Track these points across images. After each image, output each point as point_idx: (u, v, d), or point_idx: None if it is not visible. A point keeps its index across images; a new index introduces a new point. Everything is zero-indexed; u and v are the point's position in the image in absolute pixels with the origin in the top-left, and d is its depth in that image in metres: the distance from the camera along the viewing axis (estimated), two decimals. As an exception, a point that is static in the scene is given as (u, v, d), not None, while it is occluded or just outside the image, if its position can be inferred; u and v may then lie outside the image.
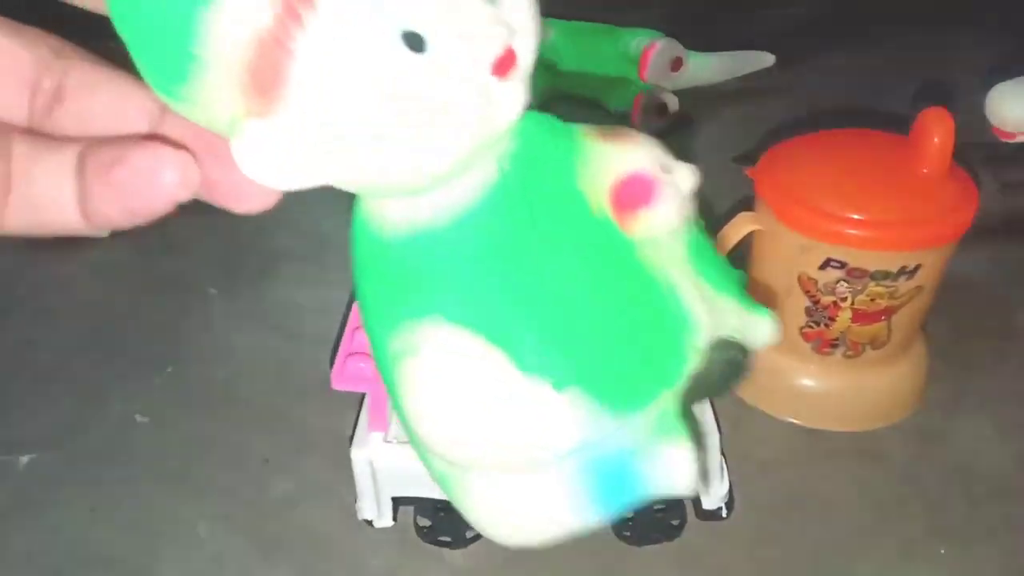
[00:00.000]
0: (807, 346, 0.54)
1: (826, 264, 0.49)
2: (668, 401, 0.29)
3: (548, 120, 0.29)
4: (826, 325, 0.52)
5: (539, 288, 0.27)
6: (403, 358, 0.26)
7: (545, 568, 0.47)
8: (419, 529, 0.48)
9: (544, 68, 0.90)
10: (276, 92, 0.20)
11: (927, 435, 0.55)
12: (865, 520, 0.50)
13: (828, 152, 0.53)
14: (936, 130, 0.48)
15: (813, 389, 0.55)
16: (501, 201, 0.26)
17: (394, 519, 0.48)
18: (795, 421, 0.55)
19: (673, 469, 0.29)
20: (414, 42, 0.21)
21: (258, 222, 0.82)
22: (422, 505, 0.47)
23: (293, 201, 0.68)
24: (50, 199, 0.21)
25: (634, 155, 0.29)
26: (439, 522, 0.47)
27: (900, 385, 0.56)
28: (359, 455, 0.45)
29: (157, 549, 0.49)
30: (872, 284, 0.49)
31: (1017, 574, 0.47)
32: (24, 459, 0.55)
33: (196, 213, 0.69)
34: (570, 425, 0.27)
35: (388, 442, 0.45)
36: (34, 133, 0.22)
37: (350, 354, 0.44)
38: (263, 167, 0.21)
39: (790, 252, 0.50)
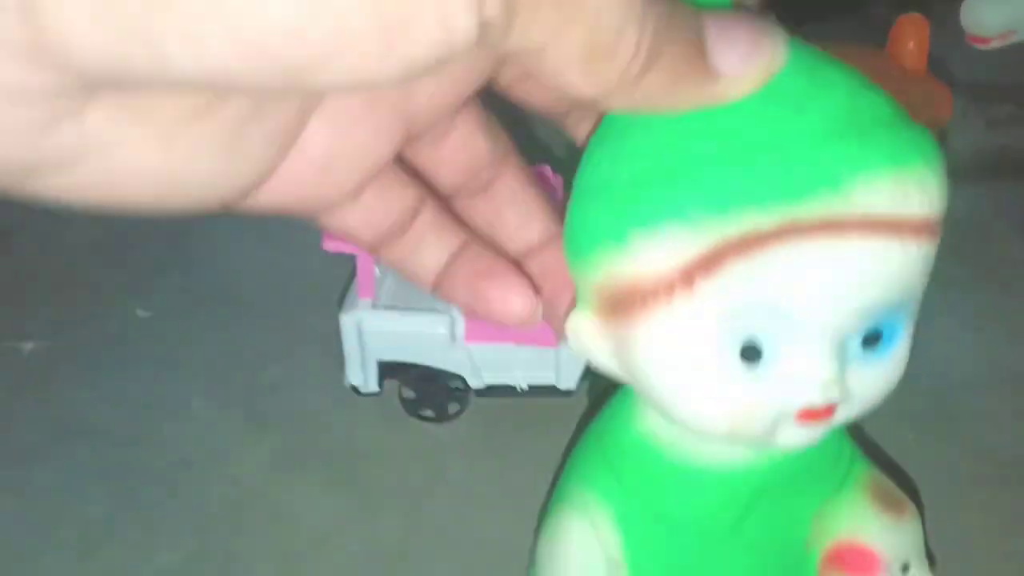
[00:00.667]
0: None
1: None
2: None
3: (841, 438, 0.31)
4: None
5: (713, 568, 0.30)
6: (570, 503, 0.31)
7: (523, 445, 0.48)
8: (404, 402, 0.50)
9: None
10: (616, 322, 0.24)
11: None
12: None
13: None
14: (912, 35, 0.50)
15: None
16: (743, 484, 0.29)
17: (379, 387, 0.49)
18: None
19: None
20: (750, 354, 0.24)
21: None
22: (407, 377, 0.49)
23: None
24: (422, 263, 0.25)
25: (888, 535, 0.30)
26: (423, 395, 0.49)
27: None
28: (347, 319, 0.47)
29: (149, 421, 0.51)
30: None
31: (977, 457, 0.48)
32: (28, 346, 0.58)
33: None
34: None
35: (375, 307, 0.47)
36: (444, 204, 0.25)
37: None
38: (577, 344, 0.26)
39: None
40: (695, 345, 0.23)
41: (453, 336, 0.47)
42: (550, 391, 0.48)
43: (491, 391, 0.49)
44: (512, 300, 0.25)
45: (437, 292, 0.25)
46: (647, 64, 0.18)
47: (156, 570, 0.43)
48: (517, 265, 0.25)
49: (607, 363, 0.26)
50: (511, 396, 0.49)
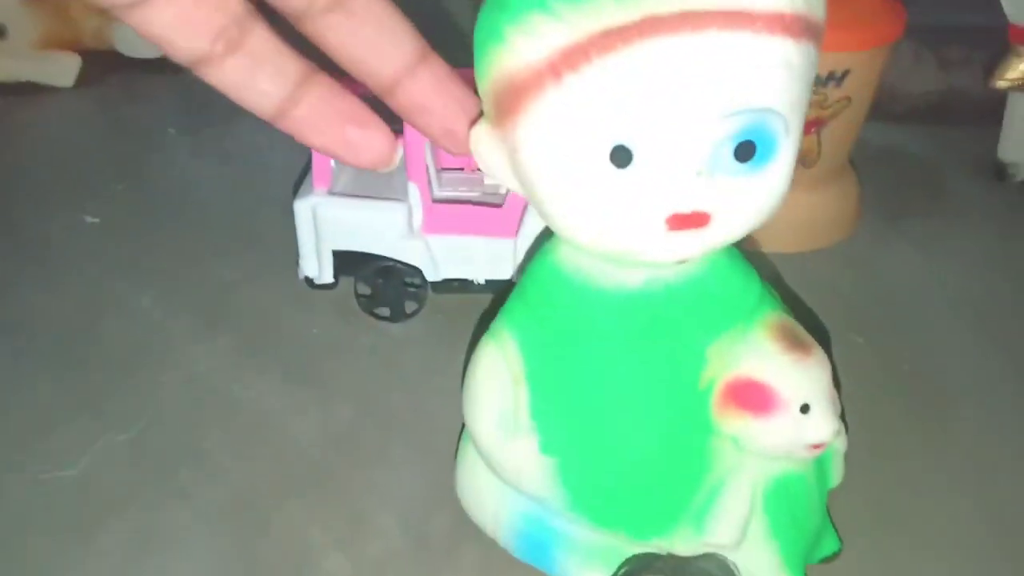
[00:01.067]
0: (742, 163, 0.56)
1: (760, 70, 0.52)
2: (623, 544, 0.33)
3: (747, 278, 0.32)
4: (760, 139, 0.55)
5: (601, 391, 0.31)
6: (487, 332, 0.33)
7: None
8: (359, 298, 0.49)
9: None
10: (503, 123, 0.26)
11: (852, 259, 0.58)
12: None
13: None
14: (867, -54, 0.51)
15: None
16: (638, 308, 0.30)
17: (334, 279, 0.49)
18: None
19: None
20: (620, 157, 0.25)
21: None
22: (363, 272, 0.48)
23: None
24: (259, 88, 0.24)
25: (788, 373, 0.30)
26: (379, 292, 0.49)
27: (829, 209, 0.58)
28: (301, 205, 0.46)
29: (98, 318, 0.50)
30: (803, 90, 0.52)
31: (922, 363, 0.50)
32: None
33: (158, 70, 0.71)
34: (528, 479, 0.32)
35: (331, 195, 0.47)
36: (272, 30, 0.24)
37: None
38: (479, 156, 0.28)
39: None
40: (565, 143, 0.25)
41: (410, 226, 0.47)
42: (507, 285, 0.48)
43: (448, 285, 0.49)
44: (374, 142, 0.25)
45: (281, 124, 0.25)
46: None
47: (104, 449, 0.42)
48: (388, 93, 0.26)
49: (507, 177, 0.28)
50: (468, 291, 0.49)
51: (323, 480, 0.41)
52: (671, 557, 0.33)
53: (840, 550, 0.37)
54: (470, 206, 0.46)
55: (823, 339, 0.38)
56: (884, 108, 0.70)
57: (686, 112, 0.24)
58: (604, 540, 0.33)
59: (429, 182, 0.46)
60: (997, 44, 0.59)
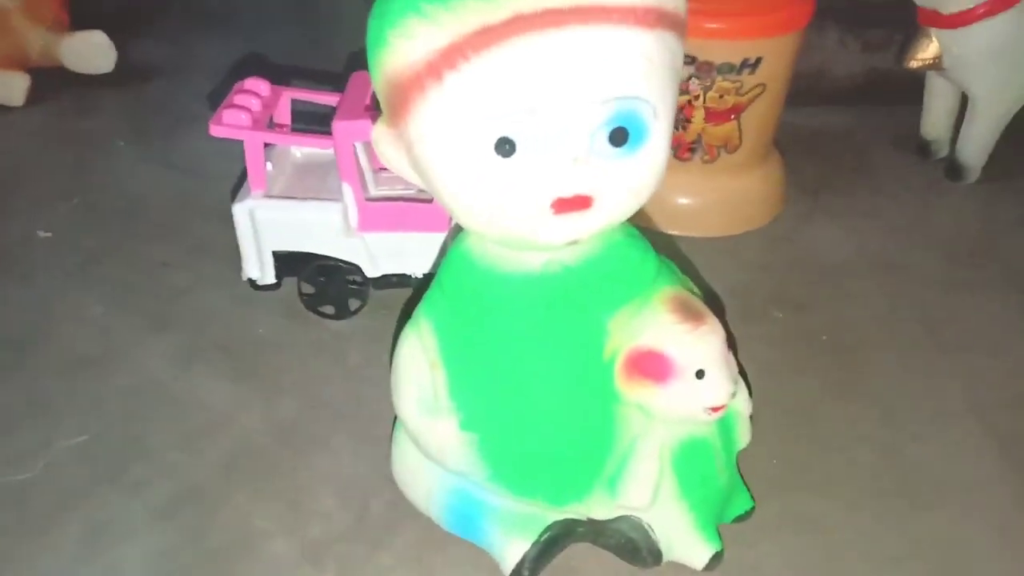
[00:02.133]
0: (669, 151, 0.59)
1: (678, 61, 0.54)
2: (543, 511, 0.35)
3: (643, 256, 0.34)
4: (683, 128, 0.57)
5: (512, 369, 0.33)
6: (408, 322, 0.36)
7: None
8: (303, 297, 0.51)
9: None
10: (397, 122, 0.28)
11: (779, 238, 0.61)
12: (721, 296, 0.54)
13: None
14: (773, -61, 0.54)
15: (675, 197, 0.60)
16: (539, 289, 0.32)
17: (277, 280, 0.51)
18: (654, 228, 0.60)
19: (501, 556, 0.36)
20: (503, 147, 0.27)
21: (164, 93, 0.84)
22: (306, 272, 0.50)
23: (196, 70, 0.73)
24: None
25: (682, 342, 0.32)
26: (322, 290, 0.51)
27: (754, 192, 0.61)
28: (239, 209, 0.48)
29: (49, 326, 0.52)
30: (720, 79, 0.54)
31: (839, 332, 0.52)
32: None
33: (105, 84, 0.73)
34: (452, 456, 0.34)
35: (268, 197, 0.48)
36: None
37: (229, 106, 0.47)
38: (380, 154, 0.30)
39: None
40: (452, 138, 0.27)
41: (347, 225, 0.49)
42: (429, 276, 0.50)
43: (387, 280, 0.51)
44: None
45: None
46: None
47: (56, 453, 0.43)
48: None
49: (407, 171, 0.30)
50: (407, 286, 0.51)
51: (268, 470, 0.43)
52: (589, 521, 0.36)
53: (752, 508, 0.39)
54: (402, 203, 0.48)
55: (719, 310, 0.40)
56: (810, 91, 0.73)
57: (560, 102, 0.27)
58: (526, 509, 0.35)
59: (363, 182, 0.48)
60: (915, 25, 0.62)
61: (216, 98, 0.76)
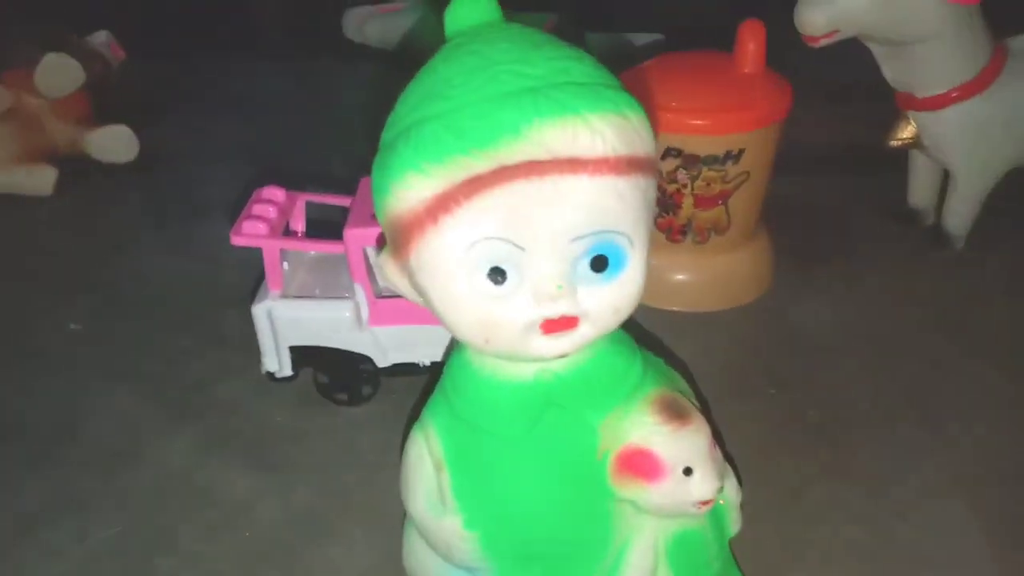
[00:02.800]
0: (661, 236, 0.62)
1: (666, 154, 0.58)
2: None
3: (630, 361, 0.37)
4: (674, 213, 0.60)
5: (510, 470, 0.36)
6: (416, 424, 0.38)
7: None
8: (319, 386, 0.54)
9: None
10: (400, 254, 0.32)
11: (770, 312, 0.63)
12: (713, 373, 0.57)
13: (668, 68, 0.61)
14: (751, 38, 0.58)
15: (668, 275, 0.63)
16: (532, 397, 0.35)
17: (294, 372, 0.54)
18: (651, 305, 0.63)
19: None
20: (495, 276, 0.31)
21: (185, 180, 0.89)
22: (320, 362, 0.53)
23: (213, 156, 0.79)
24: None
25: (668, 442, 0.35)
26: (336, 379, 0.54)
27: (744, 269, 0.64)
28: (259, 309, 0.51)
29: (77, 419, 0.55)
30: (705, 169, 0.58)
31: (827, 408, 0.55)
32: (-37, 361, 0.61)
33: (129, 172, 0.78)
34: (457, 552, 0.37)
35: (285, 297, 0.52)
36: None
37: (248, 217, 0.51)
38: (386, 278, 0.34)
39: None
40: (449, 269, 0.30)
41: (358, 320, 0.52)
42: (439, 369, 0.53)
43: (397, 369, 0.54)
44: None
45: None
46: None
47: (90, 548, 0.46)
48: None
49: (411, 293, 0.33)
50: (416, 373, 0.54)
51: (286, 560, 0.45)
52: None
53: (745, 591, 0.41)
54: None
55: (704, 404, 0.42)
56: (793, 163, 0.76)
57: (545, 239, 0.30)
58: None
59: (373, 280, 0.51)
60: (893, 97, 0.65)
61: (231, 184, 0.80)
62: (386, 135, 0.32)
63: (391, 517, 0.46)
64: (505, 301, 0.31)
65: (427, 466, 0.37)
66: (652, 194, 0.33)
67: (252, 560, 0.45)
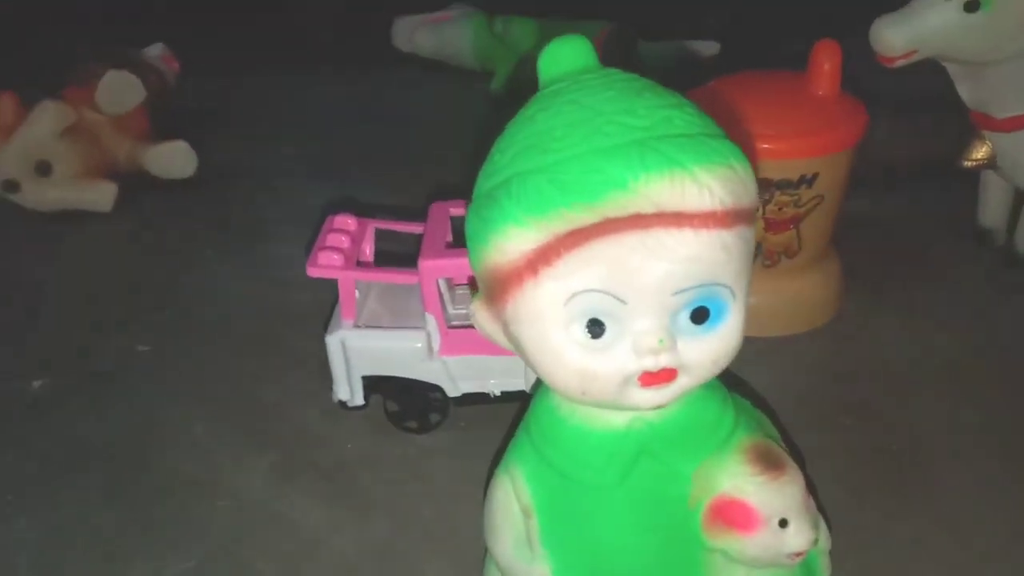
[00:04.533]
0: (730, 258, 0.61)
1: (738, 178, 0.57)
2: None
3: (722, 408, 0.36)
4: (744, 237, 0.59)
5: (602, 520, 0.35)
6: (500, 466, 0.38)
7: (499, 445, 0.53)
8: (389, 414, 0.54)
9: (519, 61, 0.99)
10: (495, 304, 0.32)
11: (841, 337, 0.62)
12: (787, 402, 0.56)
13: (739, 88, 0.60)
14: (826, 58, 0.56)
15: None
16: (625, 445, 0.35)
17: (365, 400, 0.54)
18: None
19: None
20: (594, 328, 0.31)
21: (246, 195, 0.90)
22: (390, 390, 0.54)
23: (276, 174, 0.79)
24: None
25: (764, 492, 0.34)
26: (407, 407, 0.54)
27: (815, 293, 0.63)
28: (332, 339, 0.51)
29: (153, 445, 0.56)
30: (778, 194, 0.57)
31: (906, 439, 0.53)
32: (36, 384, 0.62)
33: (188, 188, 0.78)
34: None
35: (358, 327, 0.52)
36: None
37: (322, 248, 0.51)
38: (479, 325, 0.34)
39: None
40: (549, 320, 0.30)
41: (430, 350, 0.52)
42: (520, 395, 0.53)
43: (467, 399, 0.54)
44: None
45: None
46: None
47: (170, 578, 0.47)
48: None
49: (504, 342, 0.33)
50: (486, 403, 0.54)
51: (366, 594, 0.45)
52: None
53: (834, 637, 0.41)
54: (481, 329, 0.51)
55: (798, 455, 0.42)
56: (865, 179, 0.74)
57: (646, 290, 0.29)
58: None
59: (444, 310, 0.51)
60: (966, 111, 0.64)
61: (292, 200, 0.81)
62: (484, 184, 0.32)
63: (466, 552, 0.46)
64: (604, 353, 0.30)
65: (515, 511, 0.37)
66: (753, 243, 0.32)
67: (332, 594, 0.45)
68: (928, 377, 0.58)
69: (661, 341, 0.30)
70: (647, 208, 0.29)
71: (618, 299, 0.30)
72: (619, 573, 0.36)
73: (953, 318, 0.64)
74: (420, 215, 0.55)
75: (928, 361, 0.60)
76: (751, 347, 0.61)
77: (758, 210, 0.33)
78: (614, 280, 0.29)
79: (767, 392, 0.54)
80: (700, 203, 0.29)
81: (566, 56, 0.33)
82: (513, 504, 0.37)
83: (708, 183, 0.29)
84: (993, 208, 0.69)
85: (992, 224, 0.70)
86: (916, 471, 0.51)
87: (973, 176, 0.69)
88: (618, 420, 0.34)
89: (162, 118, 0.91)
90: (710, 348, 0.31)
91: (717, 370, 0.33)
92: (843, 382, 0.58)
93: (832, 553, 0.41)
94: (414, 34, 1.12)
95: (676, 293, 0.30)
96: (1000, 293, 0.66)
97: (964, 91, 0.62)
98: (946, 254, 0.71)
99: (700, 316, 0.31)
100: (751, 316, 0.61)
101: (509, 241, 0.30)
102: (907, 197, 0.77)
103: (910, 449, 0.53)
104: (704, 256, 0.30)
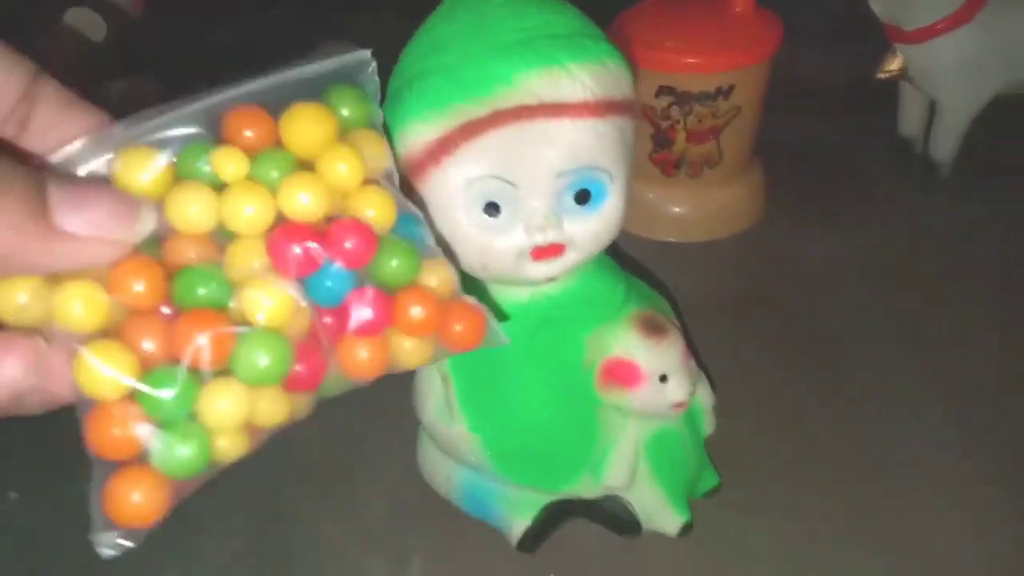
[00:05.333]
0: (656, 170, 0.65)
1: (660, 92, 0.61)
2: (541, 494, 0.44)
3: (614, 282, 0.41)
4: (668, 148, 0.64)
5: (509, 380, 0.41)
6: None
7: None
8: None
9: None
10: (412, 192, 0.35)
11: (762, 242, 0.67)
12: (706, 297, 0.61)
13: (662, 8, 0.64)
14: (741, -24, 0.60)
15: (664, 207, 0.67)
16: (528, 315, 0.40)
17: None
18: (650, 237, 0.67)
19: (508, 533, 0.44)
20: (490, 210, 0.35)
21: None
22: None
23: None
24: None
25: (647, 353, 0.39)
26: None
27: (737, 201, 0.68)
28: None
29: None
30: (697, 105, 0.61)
31: (813, 328, 0.59)
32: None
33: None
34: (463, 452, 0.43)
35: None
36: None
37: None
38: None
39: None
40: (451, 204, 0.35)
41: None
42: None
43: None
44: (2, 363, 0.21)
45: None
46: None
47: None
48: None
49: None
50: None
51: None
52: (580, 501, 0.43)
53: (719, 484, 0.46)
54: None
55: (684, 324, 0.47)
56: (791, 100, 0.78)
57: (534, 175, 0.34)
58: (527, 492, 0.43)
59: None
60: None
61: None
62: (392, 85, 0.36)
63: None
64: (500, 232, 0.35)
65: (435, 378, 0.42)
66: (631, 133, 0.37)
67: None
68: (839, 273, 0.64)
69: (547, 218, 0.35)
70: (530, 100, 0.33)
71: (509, 183, 0.34)
72: (526, 426, 0.41)
73: (869, 221, 0.69)
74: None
75: (841, 259, 0.65)
76: (675, 249, 0.67)
77: (635, 106, 0.37)
78: (504, 166, 0.34)
79: (688, 288, 0.59)
80: (574, 94, 0.33)
81: None
82: (433, 373, 0.42)
83: (581, 77, 0.33)
84: (911, 117, 0.74)
85: (910, 133, 0.74)
86: (818, 354, 0.57)
87: (896, 91, 0.73)
88: (522, 292, 0.40)
89: (128, 58, 0.93)
90: (593, 226, 0.36)
91: (600, 245, 0.38)
92: (757, 279, 0.64)
93: (727, 418, 0.47)
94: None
95: (559, 175, 0.34)
96: (915, 198, 0.71)
97: (876, 5, 0.66)
98: (868, 164, 0.75)
99: (582, 198, 0.36)
100: (677, 223, 0.67)
101: (413, 134, 0.34)
102: (833, 118, 0.81)
103: (815, 336, 0.58)
104: (581, 142, 0.34)
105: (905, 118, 0.74)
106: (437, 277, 0.29)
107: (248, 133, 0.26)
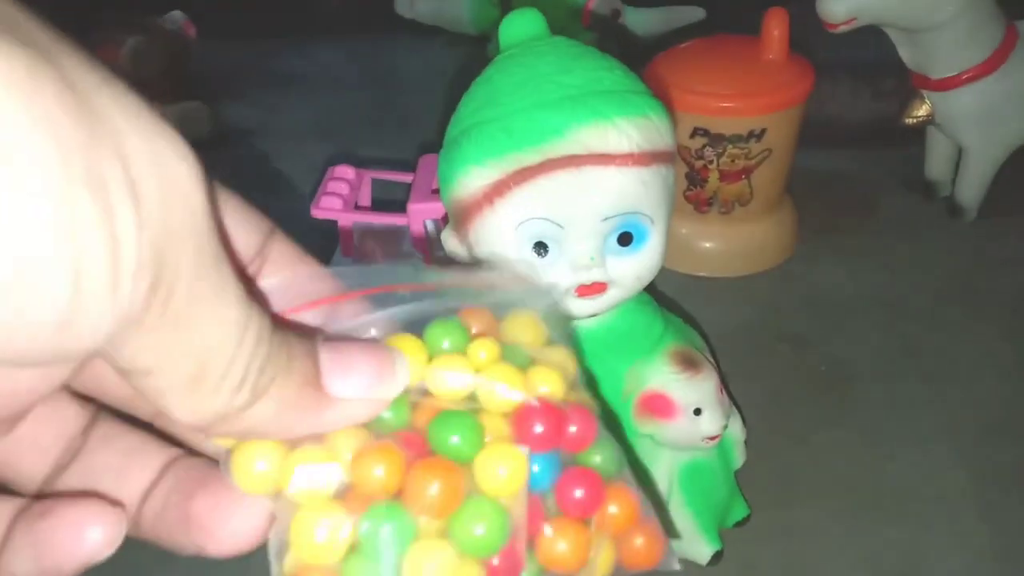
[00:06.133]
0: (689, 207, 0.68)
1: (694, 133, 0.64)
2: None
3: (652, 319, 0.43)
4: (701, 186, 0.67)
5: None
6: None
7: None
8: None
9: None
10: (461, 230, 0.39)
11: (789, 278, 0.70)
12: (735, 332, 0.63)
13: (698, 52, 0.67)
14: (775, 25, 0.63)
15: (696, 243, 0.69)
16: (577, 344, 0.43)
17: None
18: (680, 271, 0.69)
19: None
20: (539, 249, 0.38)
21: (256, 155, 0.97)
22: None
23: (284, 133, 0.88)
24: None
25: (682, 387, 0.42)
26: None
27: (766, 238, 0.70)
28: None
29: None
30: (730, 147, 0.64)
31: (835, 363, 0.61)
32: None
33: (203, 149, 0.85)
34: None
35: (355, 263, 0.60)
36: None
37: (324, 193, 0.58)
38: (450, 249, 0.41)
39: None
40: (502, 242, 0.38)
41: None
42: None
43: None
44: (87, 528, 0.19)
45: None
46: (252, 397, 0.17)
47: None
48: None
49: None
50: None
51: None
52: None
53: (749, 515, 0.48)
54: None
55: (717, 359, 0.49)
56: (825, 137, 0.81)
57: (580, 218, 0.37)
58: None
59: (431, 249, 0.59)
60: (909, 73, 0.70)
61: (301, 160, 0.88)
62: (450, 132, 0.39)
63: None
64: (547, 270, 0.38)
65: None
66: (672, 180, 0.39)
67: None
68: (862, 312, 0.66)
69: (592, 259, 0.38)
70: (579, 150, 0.36)
71: (557, 224, 0.37)
72: None
73: (894, 261, 0.71)
74: (412, 167, 0.62)
75: (864, 298, 0.67)
76: (705, 284, 0.69)
77: (676, 154, 0.40)
78: (553, 209, 0.37)
79: (716, 323, 0.61)
80: (620, 146, 0.36)
81: (520, 27, 0.40)
82: None
83: (627, 130, 0.36)
84: (937, 161, 0.76)
85: (937, 176, 0.76)
86: (840, 390, 0.59)
87: (924, 134, 0.75)
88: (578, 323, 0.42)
89: (181, 82, 0.98)
90: (634, 266, 0.39)
91: (640, 284, 0.40)
92: (784, 315, 0.66)
93: (756, 451, 0.49)
94: (415, 1, 1.18)
95: (604, 219, 0.37)
96: (940, 240, 0.73)
97: (904, 54, 0.68)
98: (895, 205, 0.77)
99: (625, 240, 0.38)
100: (707, 258, 0.70)
101: (470, 178, 0.37)
102: (863, 154, 0.83)
103: (836, 372, 0.60)
104: (625, 189, 0.37)
105: (932, 162, 0.76)
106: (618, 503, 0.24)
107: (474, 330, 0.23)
